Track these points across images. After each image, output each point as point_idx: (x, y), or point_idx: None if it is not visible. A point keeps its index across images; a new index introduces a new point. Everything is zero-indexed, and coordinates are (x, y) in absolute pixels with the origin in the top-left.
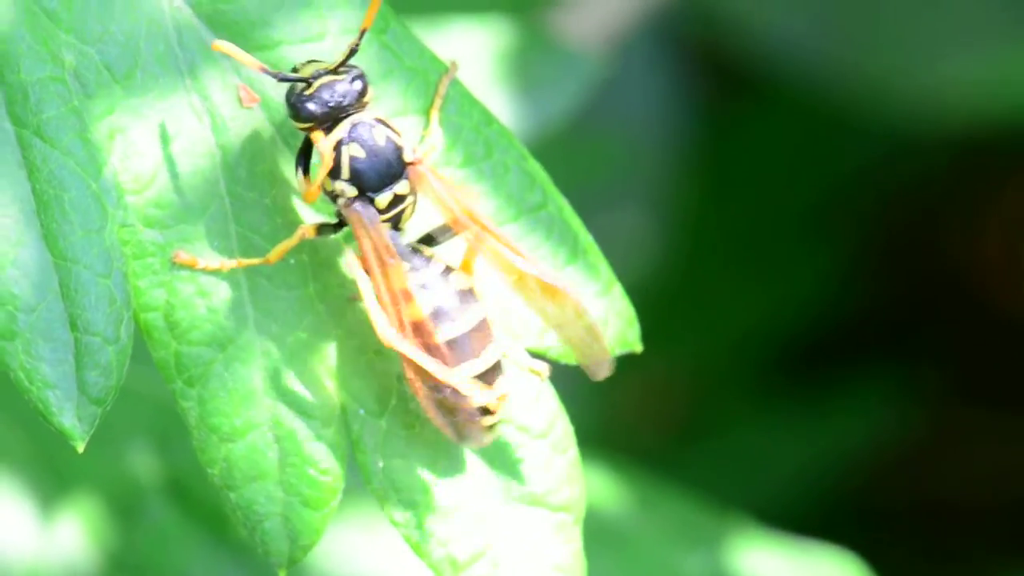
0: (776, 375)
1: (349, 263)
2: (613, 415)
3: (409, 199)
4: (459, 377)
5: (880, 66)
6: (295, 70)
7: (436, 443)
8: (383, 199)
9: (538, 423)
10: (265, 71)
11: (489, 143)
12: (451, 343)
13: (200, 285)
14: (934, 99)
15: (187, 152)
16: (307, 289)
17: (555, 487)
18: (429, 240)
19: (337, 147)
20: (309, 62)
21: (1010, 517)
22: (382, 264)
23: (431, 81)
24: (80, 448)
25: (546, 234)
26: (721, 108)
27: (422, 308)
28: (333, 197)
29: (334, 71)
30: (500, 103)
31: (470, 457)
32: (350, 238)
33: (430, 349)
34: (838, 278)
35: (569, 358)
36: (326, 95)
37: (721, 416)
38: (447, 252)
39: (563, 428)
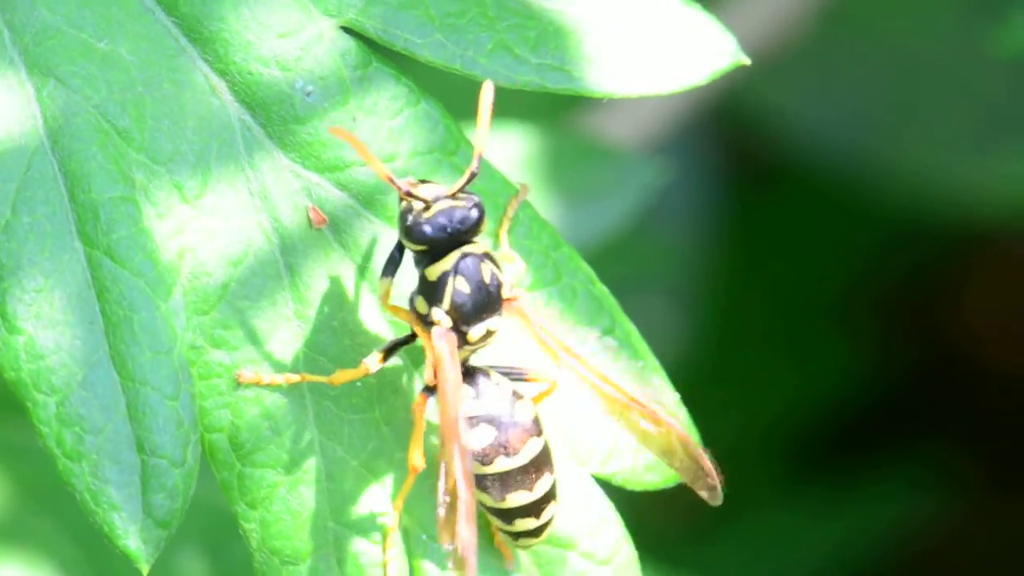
0: (805, 460)
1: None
2: (643, 502)
3: (498, 333)
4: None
5: (906, 159)
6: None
7: (499, 569)
8: (476, 333)
9: (602, 549)
10: (391, 180)
11: (558, 267)
12: (504, 476)
13: (265, 407)
14: (960, 188)
15: (256, 273)
16: (373, 413)
17: None
18: (496, 368)
19: (443, 277)
20: (423, 181)
21: None
22: (457, 405)
23: (500, 203)
24: (145, 571)
25: (614, 358)
26: (750, 197)
27: (482, 439)
28: (425, 320)
29: (453, 196)
30: (554, 212)
31: None
32: (417, 363)
33: (480, 478)
34: (865, 362)
35: (636, 485)
36: (444, 220)
37: (749, 501)
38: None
39: (627, 554)
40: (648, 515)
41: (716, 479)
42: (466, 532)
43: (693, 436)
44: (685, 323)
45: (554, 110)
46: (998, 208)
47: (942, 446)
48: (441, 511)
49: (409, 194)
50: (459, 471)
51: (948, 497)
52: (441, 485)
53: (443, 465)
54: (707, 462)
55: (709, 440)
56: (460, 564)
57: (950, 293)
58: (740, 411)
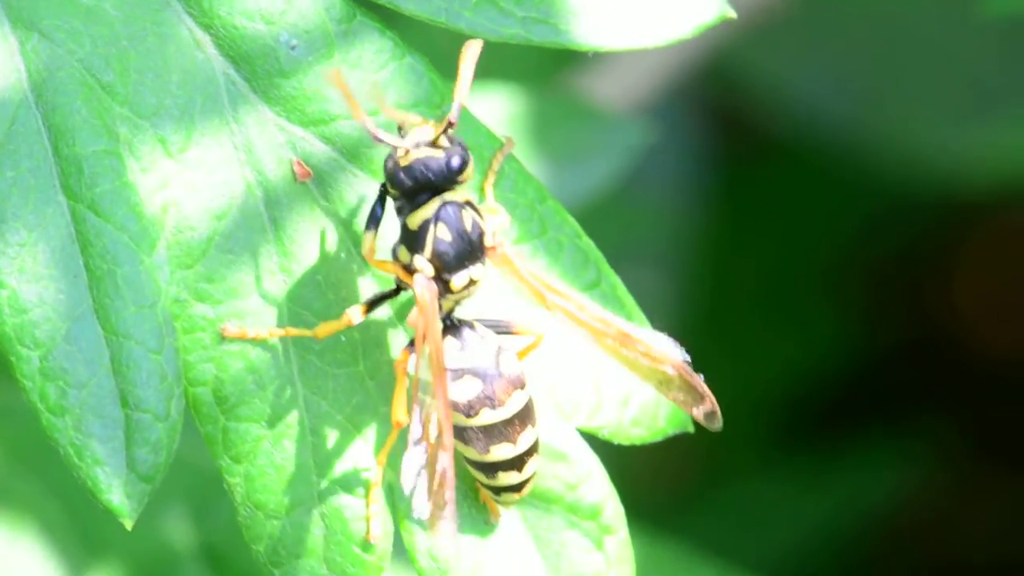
0: (792, 431)
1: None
2: (631, 472)
3: (481, 282)
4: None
5: (896, 129)
6: (400, 127)
7: (483, 523)
8: (459, 281)
9: (588, 504)
10: (367, 126)
11: (543, 220)
12: (488, 428)
13: (250, 361)
14: (949, 160)
15: (240, 226)
16: (357, 367)
17: (605, 568)
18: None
19: (424, 225)
20: (414, 125)
21: None
22: (439, 353)
23: (485, 157)
24: (129, 526)
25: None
26: (740, 167)
27: (468, 392)
28: (408, 270)
29: (434, 144)
30: (540, 171)
31: (519, 537)
32: (402, 318)
33: (464, 430)
34: (854, 334)
35: (622, 439)
36: (420, 170)
37: (738, 472)
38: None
39: (613, 509)
40: (634, 483)
41: (715, 403)
42: (445, 486)
43: (687, 362)
44: (673, 292)
45: (542, 71)
46: (989, 179)
47: (930, 419)
48: (413, 458)
49: (378, 139)
50: (444, 414)
51: (935, 470)
52: (414, 430)
53: (427, 410)
54: (704, 387)
55: None
56: (434, 522)
57: (941, 265)
58: (727, 382)
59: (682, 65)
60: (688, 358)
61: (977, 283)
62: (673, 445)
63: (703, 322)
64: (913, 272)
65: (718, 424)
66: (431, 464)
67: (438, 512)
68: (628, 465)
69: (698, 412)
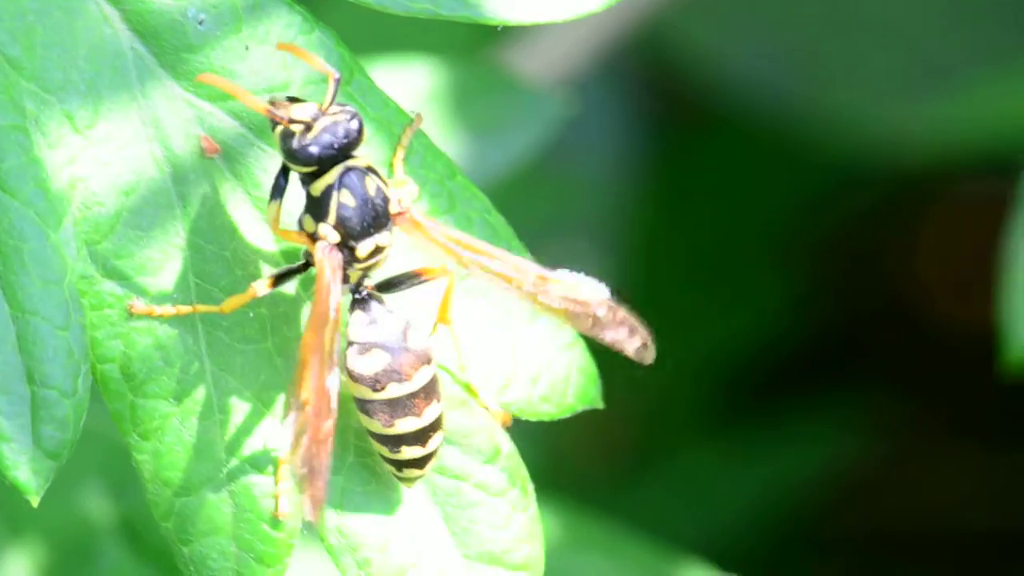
0: (732, 403)
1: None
2: (565, 444)
3: (388, 250)
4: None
5: (833, 99)
6: (272, 103)
7: (393, 500)
8: (364, 248)
9: (497, 480)
10: (269, 111)
11: (453, 196)
12: (393, 401)
13: (157, 338)
14: (887, 132)
15: (148, 202)
16: (265, 343)
17: (514, 545)
18: (391, 285)
19: (327, 191)
20: (292, 99)
21: (968, 548)
22: (328, 319)
23: (395, 133)
24: (35, 502)
25: None
26: (676, 139)
27: (375, 365)
28: (313, 239)
29: (326, 109)
30: (460, 145)
31: (428, 515)
32: (309, 292)
33: (370, 403)
34: (794, 306)
35: (531, 415)
36: (328, 138)
37: (676, 444)
38: (410, 305)
39: (523, 485)
40: (569, 457)
41: (646, 335)
42: (315, 452)
43: (612, 296)
44: (611, 263)
45: (470, 45)
46: (932, 152)
47: (871, 389)
48: (294, 421)
49: (292, 120)
50: (321, 379)
51: (875, 440)
52: (301, 394)
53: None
54: (633, 319)
55: (636, 385)
56: (303, 484)
57: (887, 238)
58: (667, 354)
59: (616, 36)
60: (611, 293)
61: (925, 255)
62: (609, 418)
63: (642, 294)
64: (858, 245)
65: (651, 357)
66: (312, 428)
67: (311, 477)
68: (562, 439)
69: (631, 348)
